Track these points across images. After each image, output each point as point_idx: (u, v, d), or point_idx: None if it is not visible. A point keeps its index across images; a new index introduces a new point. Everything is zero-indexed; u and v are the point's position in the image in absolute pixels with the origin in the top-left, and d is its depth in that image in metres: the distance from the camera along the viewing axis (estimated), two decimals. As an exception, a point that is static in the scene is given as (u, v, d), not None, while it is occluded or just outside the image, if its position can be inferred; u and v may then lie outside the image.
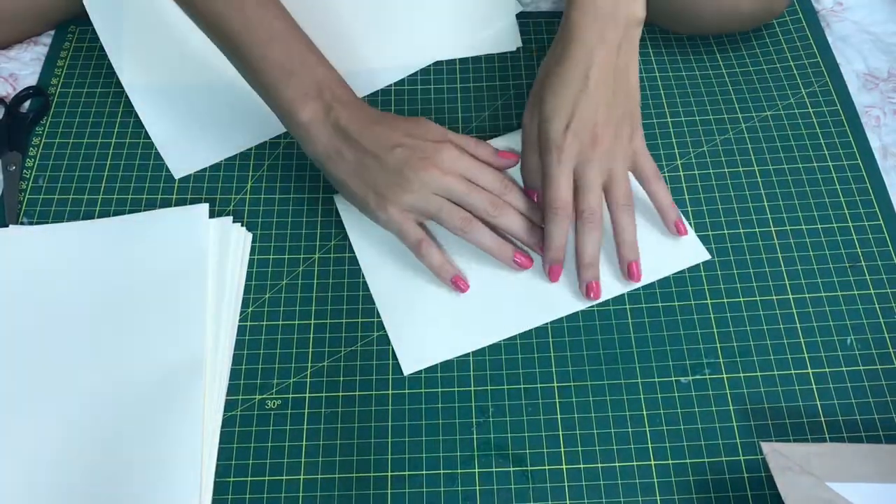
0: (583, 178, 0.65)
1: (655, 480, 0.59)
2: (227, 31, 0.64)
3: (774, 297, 0.67)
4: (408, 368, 0.64)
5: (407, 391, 0.63)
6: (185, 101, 0.78)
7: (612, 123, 0.65)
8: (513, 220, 0.66)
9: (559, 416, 0.62)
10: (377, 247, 0.69)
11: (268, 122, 0.70)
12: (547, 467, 0.60)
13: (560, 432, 0.61)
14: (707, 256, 0.68)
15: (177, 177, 0.74)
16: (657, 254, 0.68)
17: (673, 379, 0.63)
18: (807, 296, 0.67)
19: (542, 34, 0.84)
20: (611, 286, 0.67)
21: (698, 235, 0.70)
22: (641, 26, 0.66)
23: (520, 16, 0.85)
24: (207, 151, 0.76)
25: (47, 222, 0.71)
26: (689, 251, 0.69)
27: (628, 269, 0.66)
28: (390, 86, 0.80)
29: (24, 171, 0.74)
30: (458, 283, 0.66)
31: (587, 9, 0.64)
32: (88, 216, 0.72)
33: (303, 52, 0.66)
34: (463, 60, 0.82)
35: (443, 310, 0.67)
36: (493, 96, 0.79)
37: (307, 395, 0.63)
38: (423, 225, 0.66)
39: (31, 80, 0.81)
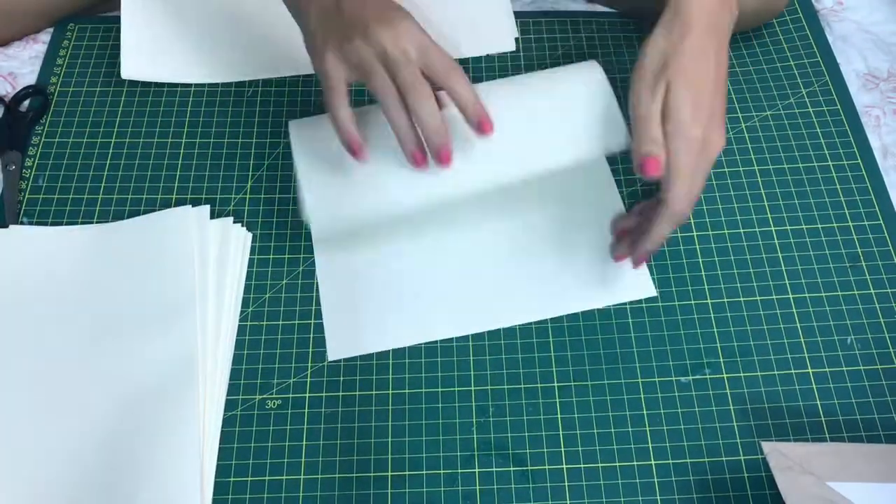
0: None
1: (656, 480, 0.59)
2: None
3: (774, 297, 0.67)
4: (333, 354, 0.65)
5: (407, 391, 0.63)
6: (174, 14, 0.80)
7: (718, 120, 0.61)
8: (428, 107, 0.60)
9: (559, 416, 0.62)
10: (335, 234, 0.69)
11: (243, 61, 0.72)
12: (547, 467, 0.60)
13: (560, 432, 0.61)
14: (654, 293, 0.67)
15: (124, 76, 0.76)
16: (602, 282, 0.68)
17: (673, 379, 0.63)
18: (807, 296, 0.67)
19: (542, 34, 0.84)
20: (550, 305, 0.67)
21: (697, 235, 0.70)
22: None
23: (520, 15, 0.85)
24: (168, 67, 0.77)
25: (47, 222, 0.71)
26: (636, 285, 0.68)
27: (638, 258, 0.63)
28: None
29: (24, 170, 0.74)
30: (355, 150, 0.62)
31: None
32: (88, 216, 0.72)
33: None
34: (463, 61, 0.81)
35: (381, 303, 0.67)
36: (493, 96, 0.79)
37: (307, 395, 0.63)
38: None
39: (31, 78, 0.80)
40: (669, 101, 0.59)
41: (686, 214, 0.60)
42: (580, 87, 0.67)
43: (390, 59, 0.60)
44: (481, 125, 0.61)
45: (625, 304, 0.67)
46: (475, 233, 0.70)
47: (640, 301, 0.67)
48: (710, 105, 0.60)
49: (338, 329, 0.66)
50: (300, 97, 0.79)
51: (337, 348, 0.65)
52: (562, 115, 0.66)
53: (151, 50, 0.79)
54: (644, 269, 0.68)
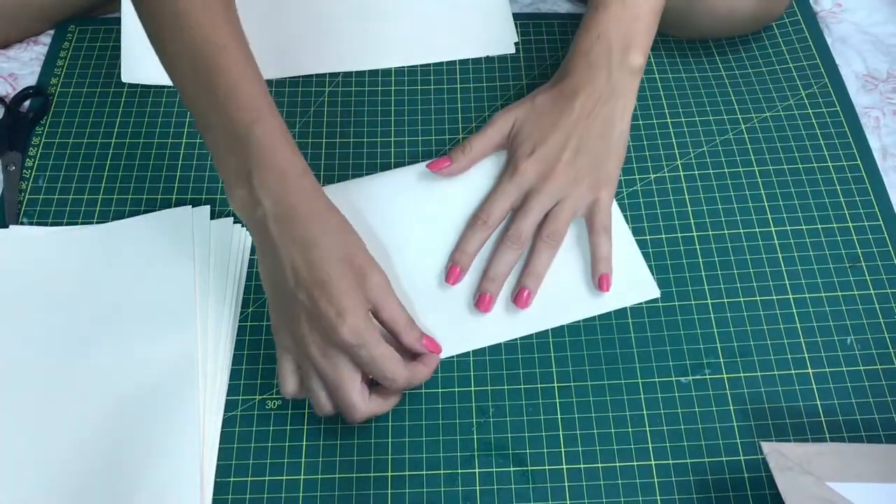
0: (526, 203, 0.66)
1: (656, 480, 0.59)
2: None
3: (774, 297, 0.67)
4: None
5: (407, 391, 0.63)
6: None
7: (575, 167, 0.66)
8: (387, 367, 0.57)
9: (559, 416, 0.62)
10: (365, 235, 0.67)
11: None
12: (547, 467, 0.60)
13: (560, 432, 0.61)
14: (657, 294, 0.67)
15: (125, 80, 0.76)
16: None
17: (673, 379, 0.63)
18: (807, 296, 0.67)
19: (542, 35, 0.84)
20: (554, 314, 0.66)
21: (697, 235, 0.70)
22: (640, 75, 0.67)
23: (519, 17, 0.85)
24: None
25: (47, 222, 0.71)
26: (639, 287, 0.67)
27: (519, 294, 0.65)
28: (390, 87, 0.80)
29: (24, 170, 0.74)
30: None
31: (581, 53, 0.67)
32: (88, 216, 0.72)
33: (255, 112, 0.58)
34: (463, 62, 0.82)
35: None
36: (493, 97, 0.79)
37: (307, 395, 0.63)
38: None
39: (31, 79, 0.81)
40: None
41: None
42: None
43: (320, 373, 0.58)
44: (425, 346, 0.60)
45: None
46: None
47: (640, 301, 0.66)
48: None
49: None
50: (300, 97, 0.79)
51: None
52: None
53: (152, 53, 0.79)
54: (646, 271, 0.68)
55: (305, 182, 0.58)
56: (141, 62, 0.78)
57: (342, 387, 0.57)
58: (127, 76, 0.78)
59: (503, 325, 0.66)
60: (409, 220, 0.69)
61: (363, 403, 0.58)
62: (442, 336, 0.63)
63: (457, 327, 0.65)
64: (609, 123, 0.66)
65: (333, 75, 0.80)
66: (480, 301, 0.65)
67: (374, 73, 0.81)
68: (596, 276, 0.66)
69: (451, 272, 0.66)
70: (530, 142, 0.67)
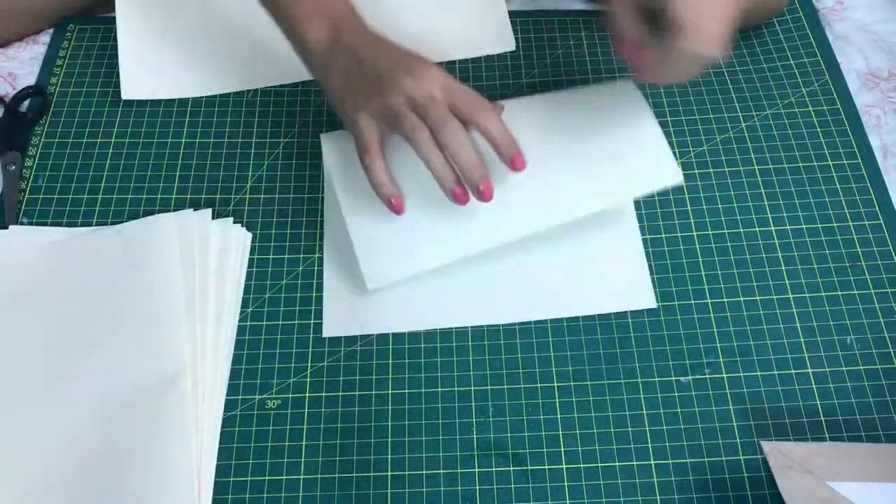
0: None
1: (655, 480, 0.59)
2: None
3: (774, 297, 0.67)
4: (328, 331, 0.65)
5: (407, 391, 0.63)
6: (169, 28, 0.81)
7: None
8: (462, 142, 0.61)
9: (559, 416, 0.62)
10: (357, 182, 0.67)
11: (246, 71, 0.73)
12: (547, 467, 0.60)
13: (560, 432, 0.61)
14: (653, 304, 0.66)
15: (124, 97, 0.77)
16: (603, 288, 0.67)
17: (673, 379, 0.63)
18: (807, 296, 0.67)
19: (542, 33, 0.84)
20: (549, 307, 0.67)
21: (697, 235, 0.70)
22: None
23: (519, 15, 0.85)
24: (168, 85, 0.77)
25: (47, 222, 0.71)
26: (637, 294, 0.67)
27: (511, 162, 0.62)
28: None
29: (24, 170, 0.74)
30: (394, 205, 0.64)
31: None
32: (88, 216, 0.72)
33: None
34: (462, 61, 0.81)
35: (411, 225, 0.66)
36: (493, 96, 0.79)
37: (307, 395, 0.63)
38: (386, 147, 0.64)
39: (30, 79, 0.80)
40: None
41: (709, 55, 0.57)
42: (623, 120, 0.68)
43: (418, 104, 0.61)
44: (514, 161, 0.62)
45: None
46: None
47: (636, 308, 0.66)
48: None
49: (336, 306, 0.67)
50: (300, 97, 0.79)
51: (332, 325, 0.66)
52: (607, 156, 0.67)
53: (150, 70, 0.79)
54: (647, 281, 0.68)
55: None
56: (140, 79, 0.78)
57: (437, 111, 0.60)
58: (127, 93, 0.78)
59: (501, 309, 0.67)
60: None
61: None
62: (441, 309, 0.66)
63: (454, 304, 0.67)
64: None
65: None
66: (483, 193, 0.62)
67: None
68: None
69: (455, 195, 0.63)
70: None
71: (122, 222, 0.71)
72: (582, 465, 0.60)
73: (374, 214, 0.66)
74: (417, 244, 0.66)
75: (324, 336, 0.65)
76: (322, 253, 0.70)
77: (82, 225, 0.71)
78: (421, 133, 0.61)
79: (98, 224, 0.71)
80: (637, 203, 0.71)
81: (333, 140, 0.70)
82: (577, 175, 0.67)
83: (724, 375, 0.63)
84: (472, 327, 0.66)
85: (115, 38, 0.80)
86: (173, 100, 0.78)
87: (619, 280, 0.67)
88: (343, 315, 0.66)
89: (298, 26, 0.66)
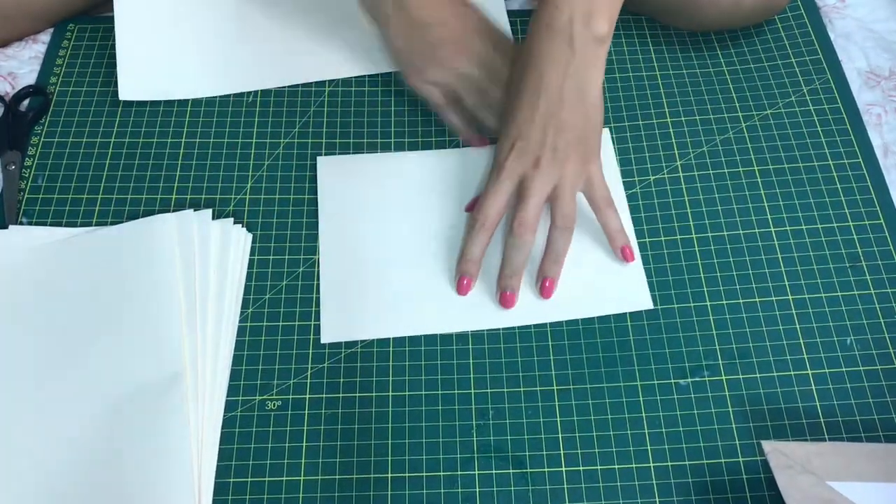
0: (525, 190, 0.65)
1: (654, 482, 0.59)
2: None
3: (774, 298, 0.67)
4: (326, 337, 0.66)
5: (407, 393, 0.63)
6: (168, 29, 0.80)
7: (560, 147, 0.65)
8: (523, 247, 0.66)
9: (558, 419, 0.62)
10: (341, 218, 0.71)
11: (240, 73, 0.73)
12: (546, 470, 0.60)
13: (559, 435, 0.61)
14: (650, 305, 0.67)
15: (122, 98, 0.77)
16: (600, 290, 0.67)
17: (672, 381, 0.63)
18: (807, 296, 0.67)
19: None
20: (545, 310, 0.67)
21: (697, 236, 0.70)
22: (606, 43, 0.65)
23: (519, 14, 0.84)
24: (166, 86, 0.77)
25: (46, 222, 0.71)
26: (634, 296, 0.67)
27: (542, 284, 0.66)
28: (390, 86, 0.80)
29: (24, 170, 0.74)
30: (464, 286, 0.67)
31: (541, 28, 0.65)
32: (88, 216, 0.72)
33: None
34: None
35: (381, 290, 0.67)
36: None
37: (307, 395, 0.63)
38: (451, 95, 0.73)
39: (30, 78, 0.80)
40: None
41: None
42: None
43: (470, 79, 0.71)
44: (625, 253, 0.68)
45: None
46: None
47: (633, 310, 0.66)
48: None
49: (334, 311, 0.67)
50: (300, 98, 0.79)
51: (331, 331, 0.66)
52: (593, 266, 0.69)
53: (148, 71, 0.79)
54: (643, 282, 0.68)
55: None
56: (138, 79, 0.78)
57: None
58: (125, 94, 0.77)
59: (497, 313, 0.67)
60: (404, 201, 0.71)
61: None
62: (440, 314, 0.66)
63: (452, 308, 0.67)
64: (580, 94, 0.65)
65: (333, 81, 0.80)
66: (503, 299, 0.66)
67: (373, 77, 0.81)
68: (617, 250, 0.67)
69: (460, 284, 0.67)
70: (507, 140, 0.66)
71: (122, 222, 0.70)
72: (581, 468, 0.60)
73: (348, 267, 0.68)
74: (382, 312, 0.67)
75: (322, 342, 0.65)
76: (319, 254, 0.70)
77: (82, 225, 0.71)
78: (486, 99, 0.72)
79: (98, 224, 0.71)
80: (636, 205, 0.71)
81: (330, 166, 0.72)
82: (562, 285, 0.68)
83: (724, 377, 0.63)
84: (472, 332, 0.66)
85: (114, 38, 0.80)
86: (173, 100, 0.78)
87: (616, 282, 0.67)
88: (341, 321, 0.66)
89: None
